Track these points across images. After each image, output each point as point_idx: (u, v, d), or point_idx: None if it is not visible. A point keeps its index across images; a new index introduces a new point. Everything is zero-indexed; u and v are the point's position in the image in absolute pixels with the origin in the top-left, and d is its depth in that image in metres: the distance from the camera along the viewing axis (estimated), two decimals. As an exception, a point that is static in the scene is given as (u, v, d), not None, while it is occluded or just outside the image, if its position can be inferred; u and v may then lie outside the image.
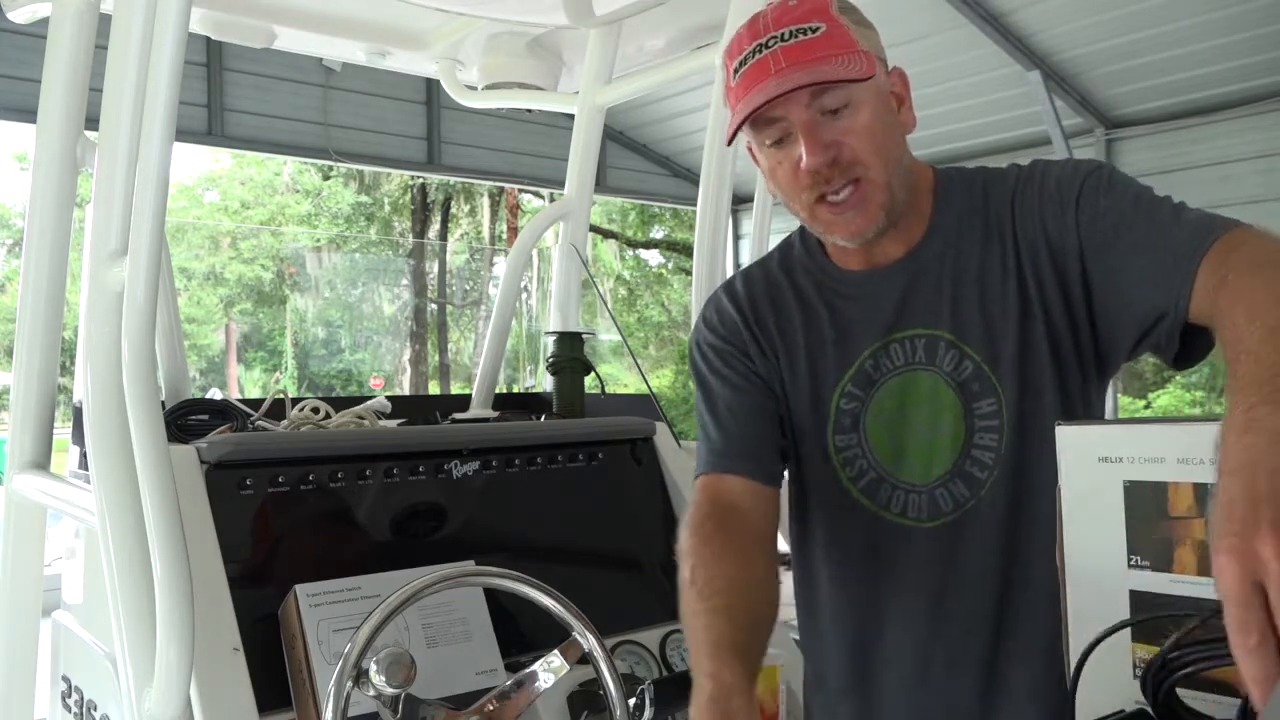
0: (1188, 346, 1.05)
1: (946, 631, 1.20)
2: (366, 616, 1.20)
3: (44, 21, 1.85)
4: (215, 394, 9.05)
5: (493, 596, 1.53)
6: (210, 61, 8.32)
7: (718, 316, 1.33)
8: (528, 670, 1.29)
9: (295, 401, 1.97)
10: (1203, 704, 0.73)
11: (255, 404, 1.95)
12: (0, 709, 1.89)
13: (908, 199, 1.20)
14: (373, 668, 1.18)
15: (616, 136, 10.74)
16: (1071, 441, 0.83)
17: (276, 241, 19.27)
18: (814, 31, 1.11)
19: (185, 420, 1.82)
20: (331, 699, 1.16)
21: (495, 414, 2.23)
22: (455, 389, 17.65)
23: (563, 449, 1.82)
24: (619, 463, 1.89)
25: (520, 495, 1.76)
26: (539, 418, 2.20)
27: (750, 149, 1.25)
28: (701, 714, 1.00)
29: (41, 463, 1.79)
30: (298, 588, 1.42)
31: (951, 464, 1.18)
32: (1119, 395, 9.23)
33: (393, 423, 2.03)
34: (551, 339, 2.24)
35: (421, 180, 17.23)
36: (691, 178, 10.76)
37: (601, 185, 10.11)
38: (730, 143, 1.21)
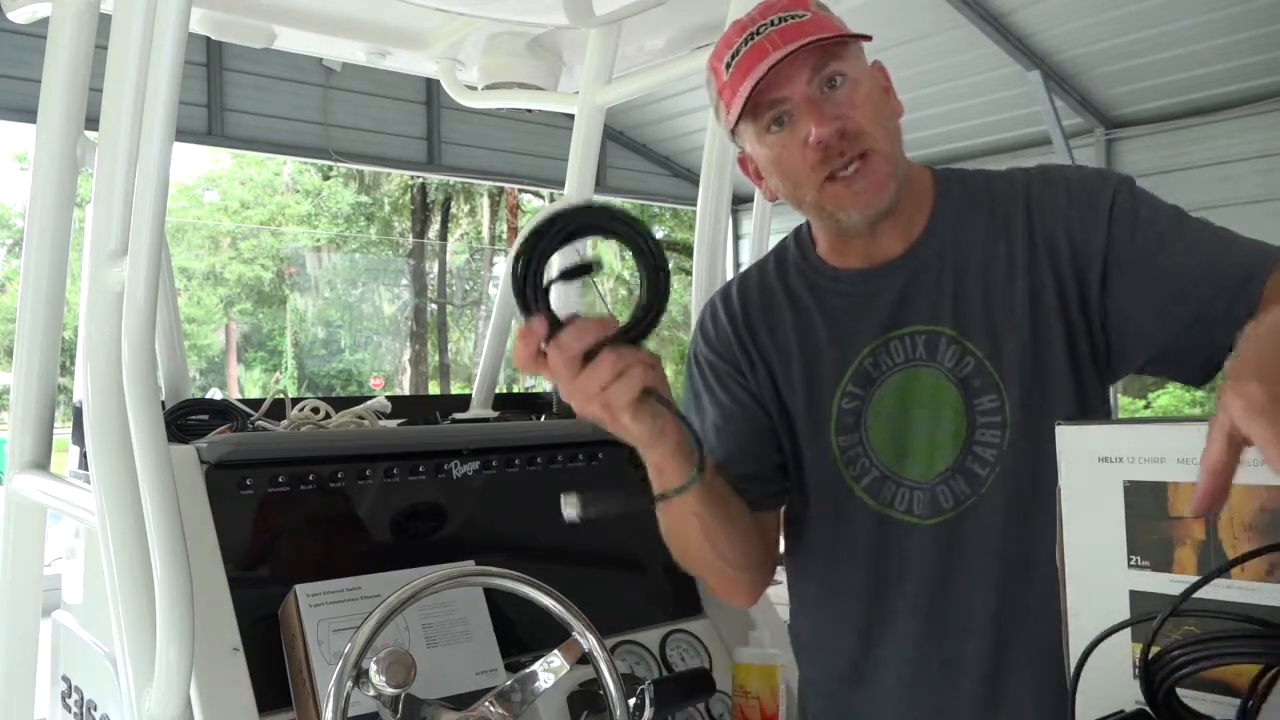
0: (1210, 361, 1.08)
1: (945, 630, 1.20)
2: (366, 616, 1.20)
3: (44, 21, 1.84)
4: (215, 394, 9.05)
5: (493, 596, 1.53)
6: (210, 61, 8.32)
7: (713, 328, 1.33)
8: (528, 670, 1.28)
9: (295, 401, 1.97)
10: (1203, 704, 0.73)
11: (255, 404, 1.95)
12: (0, 709, 1.89)
13: (906, 192, 1.21)
14: (373, 668, 1.18)
15: (616, 136, 10.74)
16: (1071, 441, 0.83)
17: (276, 241, 19.28)
18: (802, 16, 1.13)
19: (185, 420, 1.82)
20: (331, 699, 1.16)
21: (495, 414, 2.23)
22: (455, 389, 17.66)
23: (563, 449, 1.82)
24: (619, 463, 1.89)
25: (520, 495, 1.76)
26: (539, 418, 2.20)
27: (743, 163, 1.26)
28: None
29: (41, 463, 1.79)
30: (298, 588, 1.42)
31: (953, 460, 1.18)
32: (1119, 395, 9.23)
33: (393, 423, 2.03)
34: (551, 339, 2.24)
35: (421, 180, 17.24)
36: (691, 178, 10.75)
37: (601, 185, 10.09)
38: (732, 129, 1.20)
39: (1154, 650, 0.70)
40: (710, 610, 1.84)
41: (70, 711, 1.68)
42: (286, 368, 18.38)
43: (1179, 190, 7.94)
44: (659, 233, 18.68)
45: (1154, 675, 0.70)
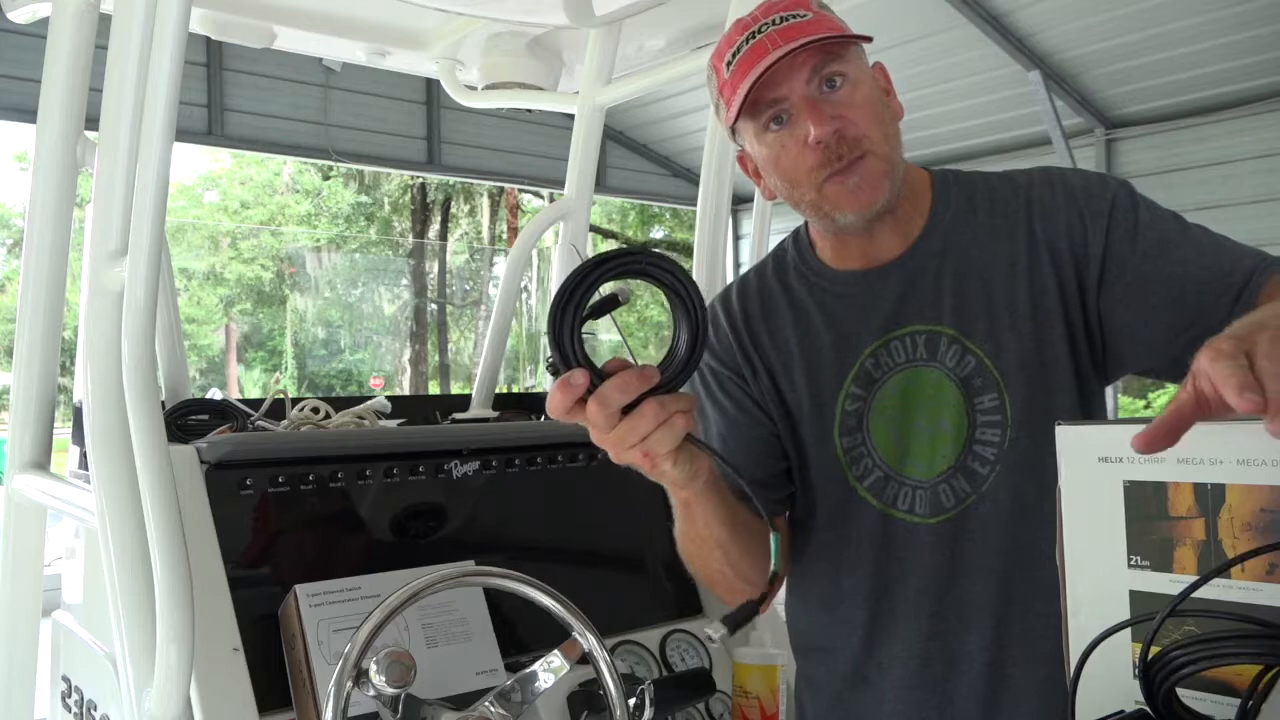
0: None
1: (948, 629, 1.20)
2: (366, 616, 1.20)
3: (44, 21, 1.84)
4: (215, 394, 9.05)
5: (492, 596, 1.53)
6: (210, 61, 8.33)
7: (714, 334, 1.33)
8: (528, 670, 1.28)
9: (295, 401, 1.96)
10: (1203, 704, 0.73)
11: (255, 404, 1.95)
12: (0, 709, 1.89)
13: (905, 193, 1.21)
14: (373, 668, 1.18)
15: (616, 136, 10.74)
16: (1071, 441, 0.83)
17: (276, 241, 19.27)
18: (803, 16, 1.13)
19: (185, 420, 1.82)
20: (331, 699, 1.16)
21: (495, 414, 2.23)
22: (455, 389, 17.66)
23: (563, 449, 1.82)
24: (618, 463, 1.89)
25: (520, 495, 1.76)
26: (539, 418, 2.20)
27: (743, 161, 1.26)
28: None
29: (41, 463, 1.79)
30: (298, 588, 1.42)
31: (954, 459, 1.19)
32: (1119, 395, 9.22)
33: (393, 423, 2.03)
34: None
35: (421, 180, 17.23)
36: (691, 178, 10.76)
37: (601, 185, 10.11)
38: (732, 125, 1.20)
39: (1154, 650, 0.70)
40: (710, 610, 1.84)
41: (70, 711, 1.68)
42: (286, 368, 18.37)
43: (1179, 190, 7.95)
44: (658, 233, 18.69)
45: (1154, 675, 0.70)
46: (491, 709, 1.26)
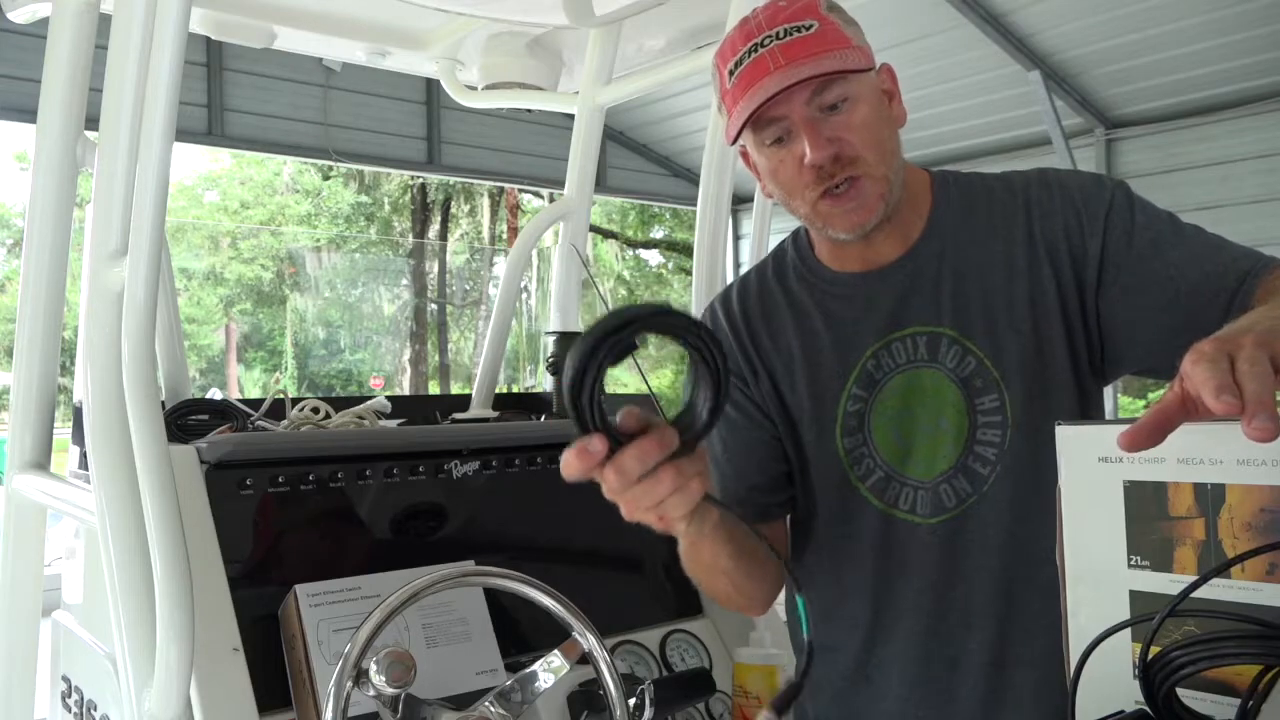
0: None
1: (949, 628, 1.21)
2: (366, 616, 1.20)
3: (44, 21, 1.84)
4: (215, 394, 9.06)
5: (492, 596, 1.53)
6: (210, 61, 8.33)
7: None
8: (528, 670, 1.28)
9: (295, 401, 1.96)
10: (1203, 704, 0.73)
11: (255, 404, 1.95)
12: (0, 709, 1.89)
13: (904, 196, 1.21)
14: (373, 668, 1.18)
15: (616, 136, 10.74)
16: (1071, 441, 0.83)
17: (276, 241, 19.27)
18: (807, 29, 1.12)
19: (185, 420, 1.81)
20: (331, 699, 1.16)
21: (495, 414, 2.23)
22: (455, 389, 17.66)
23: (563, 449, 1.81)
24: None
25: (520, 495, 1.76)
26: (539, 418, 2.20)
27: (745, 156, 1.26)
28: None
29: (41, 463, 1.79)
30: (298, 588, 1.42)
31: (955, 459, 1.19)
32: (1119, 395, 9.22)
33: (393, 423, 2.03)
34: (551, 339, 2.24)
35: (421, 180, 17.23)
36: (691, 178, 10.76)
37: (601, 185, 10.11)
38: (733, 142, 1.21)
39: (1154, 650, 0.70)
40: (710, 610, 1.84)
41: (70, 711, 1.68)
42: (286, 368, 18.37)
43: (1179, 190, 7.96)
44: (658, 233, 18.70)
45: (1154, 675, 0.70)
46: (491, 709, 1.26)
